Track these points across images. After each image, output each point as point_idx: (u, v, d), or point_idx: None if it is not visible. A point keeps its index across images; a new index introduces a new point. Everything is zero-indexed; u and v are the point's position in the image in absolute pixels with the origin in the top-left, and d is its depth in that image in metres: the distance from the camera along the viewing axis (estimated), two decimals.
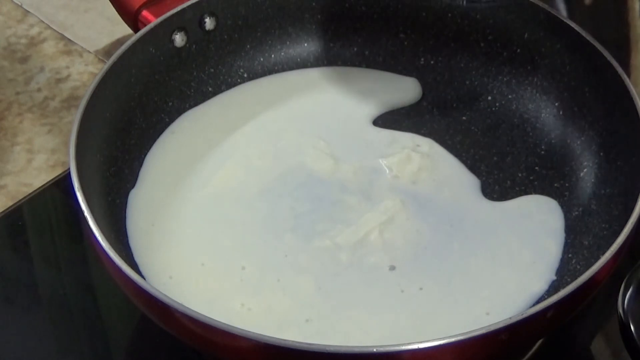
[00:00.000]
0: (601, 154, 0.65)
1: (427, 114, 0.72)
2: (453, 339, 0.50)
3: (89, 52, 0.84)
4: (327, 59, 0.74)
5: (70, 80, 0.81)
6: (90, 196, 0.57)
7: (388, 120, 0.71)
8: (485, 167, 0.68)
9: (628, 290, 0.58)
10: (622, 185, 0.62)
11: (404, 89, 0.72)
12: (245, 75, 0.73)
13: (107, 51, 0.83)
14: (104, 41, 0.85)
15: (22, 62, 0.83)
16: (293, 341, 0.50)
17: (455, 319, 0.58)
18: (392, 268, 0.61)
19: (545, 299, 0.56)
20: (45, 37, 0.85)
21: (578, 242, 0.62)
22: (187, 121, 0.70)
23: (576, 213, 0.64)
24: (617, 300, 0.58)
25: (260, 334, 0.50)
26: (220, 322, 0.50)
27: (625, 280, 0.59)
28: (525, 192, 0.66)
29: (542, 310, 0.51)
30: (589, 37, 0.66)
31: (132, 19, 0.73)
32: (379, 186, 0.66)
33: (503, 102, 0.72)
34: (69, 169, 0.58)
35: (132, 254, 0.61)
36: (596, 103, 0.66)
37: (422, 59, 0.74)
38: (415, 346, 0.50)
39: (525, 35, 0.70)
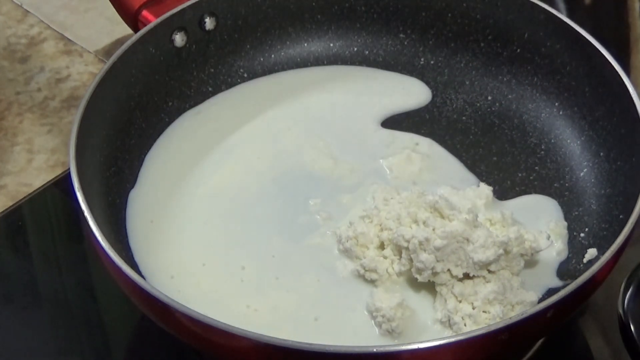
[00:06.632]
0: (601, 154, 0.65)
1: (427, 114, 0.72)
2: (453, 339, 0.50)
3: (89, 52, 0.84)
4: (327, 59, 0.74)
5: (70, 80, 0.81)
6: (90, 196, 0.57)
7: (388, 120, 0.71)
8: (485, 167, 0.68)
9: (628, 290, 0.58)
10: (622, 185, 0.62)
11: (412, 93, 0.72)
12: (245, 75, 0.73)
13: (107, 51, 0.83)
14: (104, 41, 0.85)
15: (22, 62, 0.83)
16: (293, 341, 0.50)
17: None
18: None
19: (545, 299, 0.56)
20: (45, 37, 0.85)
21: (578, 242, 0.62)
22: (187, 121, 0.70)
23: (576, 213, 0.64)
24: (617, 300, 0.58)
25: (260, 334, 0.50)
26: (220, 322, 0.50)
27: (625, 280, 0.59)
28: (525, 192, 0.66)
29: (542, 310, 0.51)
30: (589, 37, 0.66)
31: (132, 19, 0.73)
32: (379, 186, 0.66)
33: (503, 102, 0.72)
34: (69, 169, 0.58)
35: (132, 254, 0.61)
36: (596, 103, 0.66)
37: (422, 59, 0.74)
38: (415, 346, 0.50)
39: (525, 35, 0.70)
